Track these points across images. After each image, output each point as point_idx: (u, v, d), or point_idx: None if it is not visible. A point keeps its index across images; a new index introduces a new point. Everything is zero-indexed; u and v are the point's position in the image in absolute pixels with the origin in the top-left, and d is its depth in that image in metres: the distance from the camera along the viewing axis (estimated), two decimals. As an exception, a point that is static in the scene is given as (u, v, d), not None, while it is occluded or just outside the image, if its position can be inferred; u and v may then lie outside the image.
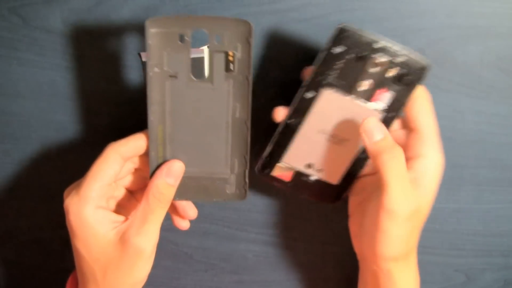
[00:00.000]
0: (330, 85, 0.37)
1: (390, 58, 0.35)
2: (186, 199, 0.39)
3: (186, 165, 0.37)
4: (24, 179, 0.46)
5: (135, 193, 0.41)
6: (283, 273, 0.49)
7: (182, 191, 0.38)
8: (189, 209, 0.40)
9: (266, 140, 0.40)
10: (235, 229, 0.47)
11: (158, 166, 0.37)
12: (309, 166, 0.40)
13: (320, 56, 0.36)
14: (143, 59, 0.41)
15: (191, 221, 0.44)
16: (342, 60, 0.36)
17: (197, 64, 0.38)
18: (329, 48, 0.35)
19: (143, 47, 0.41)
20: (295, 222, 0.47)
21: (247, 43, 0.34)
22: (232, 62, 0.35)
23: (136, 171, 0.39)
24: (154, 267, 0.40)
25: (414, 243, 0.38)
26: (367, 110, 0.37)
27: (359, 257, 0.42)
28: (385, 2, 0.40)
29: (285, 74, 0.42)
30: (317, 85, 0.37)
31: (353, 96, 0.37)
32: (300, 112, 0.38)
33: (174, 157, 0.37)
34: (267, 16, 0.40)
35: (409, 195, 0.35)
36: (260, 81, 0.42)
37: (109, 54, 0.41)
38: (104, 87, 0.42)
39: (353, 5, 0.40)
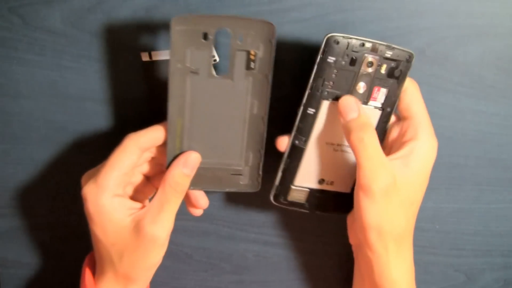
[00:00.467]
0: (329, 95, 0.37)
1: (379, 56, 0.37)
2: (201, 188, 0.40)
3: (202, 156, 0.38)
4: (24, 179, 0.46)
5: (152, 178, 0.42)
6: (283, 273, 0.49)
7: (197, 181, 0.39)
8: (201, 199, 0.41)
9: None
10: (235, 229, 0.47)
11: (175, 157, 0.38)
12: (321, 181, 0.41)
13: (314, 69, 0.37)
14: (143, 59, 0.41)
15: (191, 221, 0.44)
16: (335, 68, 0.37)
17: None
18: (321, 59, 0.36)
19: (143, 47, 0.41)
20: (295, 222, 0.47)
21: (270, 43, 0.36)
22: (253, 60, 0.36)
23: (153, 159, 0.40)
24: (154, 267, 0.40)
25: (402, 225, 0.38)
26: (368, 111, 0.38)
27: (354, 247, 0.42)
28: (385, 2, 0.40)
29: (285, 74, 0.42)
30: (316, 98, 0.38)
31: None
32: (304, 130, 0.39)
33: (191, 148, 0.38)
34: (267, 16, 0.40)
35: (382, 171, 0.35)
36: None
37: (109, 54, 0.41)
38: (104, 87, 0.42)
39: (353, 5, 0.40)
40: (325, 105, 0.38)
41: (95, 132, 0.44)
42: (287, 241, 0.48)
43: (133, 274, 0.38)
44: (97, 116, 0.43)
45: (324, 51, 0.36)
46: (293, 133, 0.39)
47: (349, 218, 0.42)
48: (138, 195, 0.41)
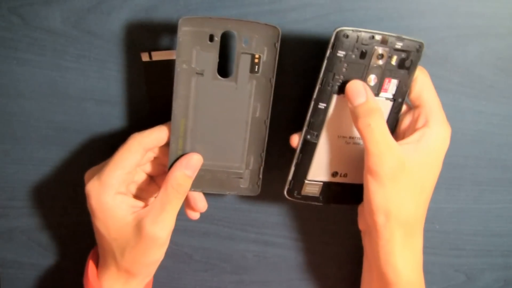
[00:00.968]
0: (339, 89, 0.37)
1: (389, 47, 0.37)
2: (201, 190, 0.41)
3: (204, 158, 0.39)
4: (24, 179, 0.46)
5: (156, 177, 0.42)
6: (283, 273, 0.49)
7: (198, 183, 0.40)
8: (200, 202, 0.41)
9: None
10: (235, 229, 0.47)
11: (177, 158, 0.38)
12: (334, 174, 0.41)
13: (324, 63, 0.36)
14: (143, 59, 0.41)
15: (191, 221, 0.44)
16: (345, 62, 0.36)
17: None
18: (331, 54, 0.36)
19: (143, 47, 0.41)
20: (295, 222, 0.47)
21: (274, 47, 0.36)
22: (257, 64, 0.37)
23: (155, 159, 0.41)
24: (154, 267, 0.40)
25: (410, 211, 0.37)
26: (379, 102, 0.38)
27: (362, 233, 0.42)
28: (385, 2, 0.40)
29: (285, 74, 0.42)
30: (327, 93, 0.37)
31: None
32: (316, 125, 0.39)
33: (193, 150, 0.39)
34: (267, 16, 0.40)
35: (389, 155, 0.35)
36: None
37: (109, 54, 0.41)
38: (104, 87, 0.42)
39: (353, 5, 0.40)
40: (335, 99, 0.38)
41: (95, 132, 0.44)
42: (287, 241, 0.48)
43: (134, 269, 0.38)
44: (97, 116, 0.43)
45: (333, 45, 0.36)
46: (304, 128, 0.39)
47: (361, 204, 0.42)
48: (142, 193, 0.41)
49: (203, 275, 0.49)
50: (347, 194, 0.42)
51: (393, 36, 0.36)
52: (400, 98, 0.39)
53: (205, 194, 0.42)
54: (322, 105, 0.38)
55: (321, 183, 0.41)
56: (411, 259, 0.38)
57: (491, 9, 0.41)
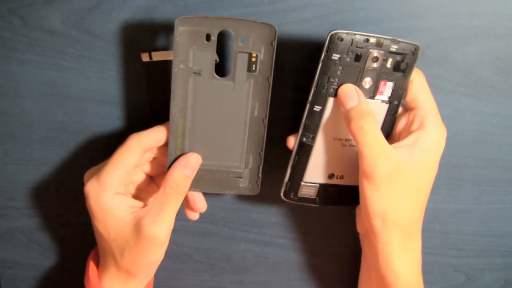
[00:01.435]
0: (334, 91, 0.37)
1: (384, 50, 0.36)
2: (201, 190, 0.41)
3: (203, 158, 0.39)
4: (24, 179, 0.46)
5: (155, 178, 0.43)
6: (283, 274, 0.49)
7: (197, 182, 0.40)
8: (199, 202, 0.41)
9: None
10: (235, 229, 0.47)
11: (176, 158, 0.38)
12: (331, 176, 0.41)
13: (319, 66, 0.37)
14: (144, 60, 0.41)
15: (191, 222, 0.44)
16: (340, 65, 0.36)
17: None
18: (326, 57, 0.36)
19: (143, 48, 0.41)
20: (295, 222, 0.47)
21: (271, 46, 0.36)
22: (255, 63, 0.37)
23: (154, 159, 0.41)
24: (154, 267, 0.40)
25: (407, 214, 0.37)
26: (374, 105, 0.38)
27: (361, 236, 0.43)
28: (385, 3, 0.40)
29: (284, 75, 0.42)
30: (322, 96, 0.37)
31: None
32: (311, 127, 0.39)
33: (192, 150, 0.39)
34: (267, 17, 0.40)
35: (383, 158, 0.35)
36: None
37: (109, 54, 0.41)
38: (104, 87, 0.42)
39: (353, 6, 0.40)
40: (331, 101, 0.38)
41: (95, 132, 0.44)
42: (287, 242, 0.48)
43: (134, 269, 0.38)
44: (97, 117, 0.43)
45: (328, 48, 0.36)
46: (300, 131, 0.39)
47: (358, 207, 0.42)
48: (141, 193, 0.41)
49: (203, 275, 0.49)
50: (344, 196, 0.42)
51: (388, 39, 0.36)
52: (396, 100, 0.39)
53: (205, 194, 0.42)
54: (317, 108, 0.38)
55: (318, 185, 0.41)
56: (410, 262, 0.38)
57: (491, 9, 0.41)
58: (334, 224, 0.47)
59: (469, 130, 0.44)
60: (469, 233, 0.48)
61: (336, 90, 0.37)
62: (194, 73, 0.37)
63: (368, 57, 0.36)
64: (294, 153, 0.40)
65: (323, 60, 0.36)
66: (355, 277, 0.46)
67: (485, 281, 0.49)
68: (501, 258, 0.49)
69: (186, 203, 0.42)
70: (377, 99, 0.38)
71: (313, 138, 0.39)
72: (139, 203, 0.39)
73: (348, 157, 0.40)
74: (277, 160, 0.43)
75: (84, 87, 0.42)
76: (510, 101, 0.43)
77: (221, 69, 0.40)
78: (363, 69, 0.37)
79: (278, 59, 0.37)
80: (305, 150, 0.39)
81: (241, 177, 0.40)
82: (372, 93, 0.38)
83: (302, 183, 0.41)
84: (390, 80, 0.38)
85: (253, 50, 0.36)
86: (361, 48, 0.36)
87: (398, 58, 0.37)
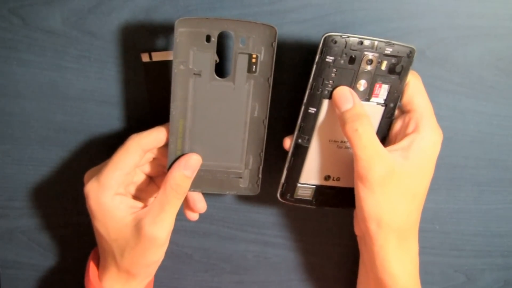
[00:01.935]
0: (329, 94, 0.37)
1: (379, 53, 0.36)
2: (201, 190, 0.41)
3: (203, 159, 0.39)
4: (24, 179, 0.46)
5: (155, 178, 0.43)
6: (283, 274, 0.49)
7: (197, 183, 0.40)
8: (199, 203, 0.41)
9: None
10: (235, 230, 0.47)
11: (176, 159, 0.38)
12: (327, 178, 0.41)
13: (313, 69, 0.37)
14: (144, 60, 0.41)
15: (191, 222, 0.44)
16: (334, 67, 0.37)
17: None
18: (320, 59, 0.36)
19: (143, 48, 0.41)
20: (295, 222, 0.47)
21: (271, 47, 0.36)
22: (255, 64, 0.37)
23: (154, 160, 0.41)
24: (154, 267, 0.40)
25: (403, 217, 0.37)
26: (370, 107, 0.38)
27: (358, 239, 0.43)
28: (385, 3, 0.40)
29: (284, 75, 0.42)
30: (316, 98, 0.38)
31: None
32: (307, 129, 0.39)
33: (192, 150, 0.39)
34: (267, 17, 0.40)
35: (377, 160, 0.35)
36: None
37: (109, 54, 0.41)
38: (105, 87, 0.42)
39: (353, 6, 0.40)
40: (326, 103, 0.38)
41: (95, 132, 0.44)
42: (287, 242, 0.48)
43: (134, 270, 0.38)
44: (97, 117, 0.43)
45: (322, 51, 0.36)
46: (296, 133, 0.39)
47: (355, 210, 0.42)
48: (141, 194, 0.42)
49: (203, 276, 0.49)
50: (341, 198, 0.42)
51: (383, 41, 0.36)
52: (392, 103, 0.38)
53: (205, 194, 0.42)
54: (312, 110, 0.38)
55: (314, 186, 0.41)
56: (407, 264, 0.38)
57: (491, 9, 0.41)
58: (334, 225, 0.47)
59: (469, 130, 0.44)
60: (469, 233, 0.48)
61: (331, 93, 0.37)
62: (194, 74, 0.37)
63: (362, 59, 0.36)
64: (290, 154, 0.40)
65: (317, 62, 0.36)
66: (354, 277, 0.46)
67: (485, 281, 0.49)
68: (501, 258, 0.49)
69: (185, 204, 0.42)
70: (373, 102, 0.38)
71: (309, 140, 0.39)
72: (139, 204, 0.39)
73: (344, 159, 0.40)
74: (277, 161, 0.43)
75: (84, 87, 0.42)
76: (510, 101, 0.43)
77: (221, 70, 0.40)
78: (358, 71, 0.37)
79: (278, 59, 0.37)
80: (300, 151, 0.39)
81: (241, 178, 0.40)
82: (367, 95, 0.38)
83: (299, 185, 0.41)
84: (385, 83, 0.38)
85: (253, 51, 0.36)
86: (355, 50, 0.36)
87: (393, 60, 0.37)
